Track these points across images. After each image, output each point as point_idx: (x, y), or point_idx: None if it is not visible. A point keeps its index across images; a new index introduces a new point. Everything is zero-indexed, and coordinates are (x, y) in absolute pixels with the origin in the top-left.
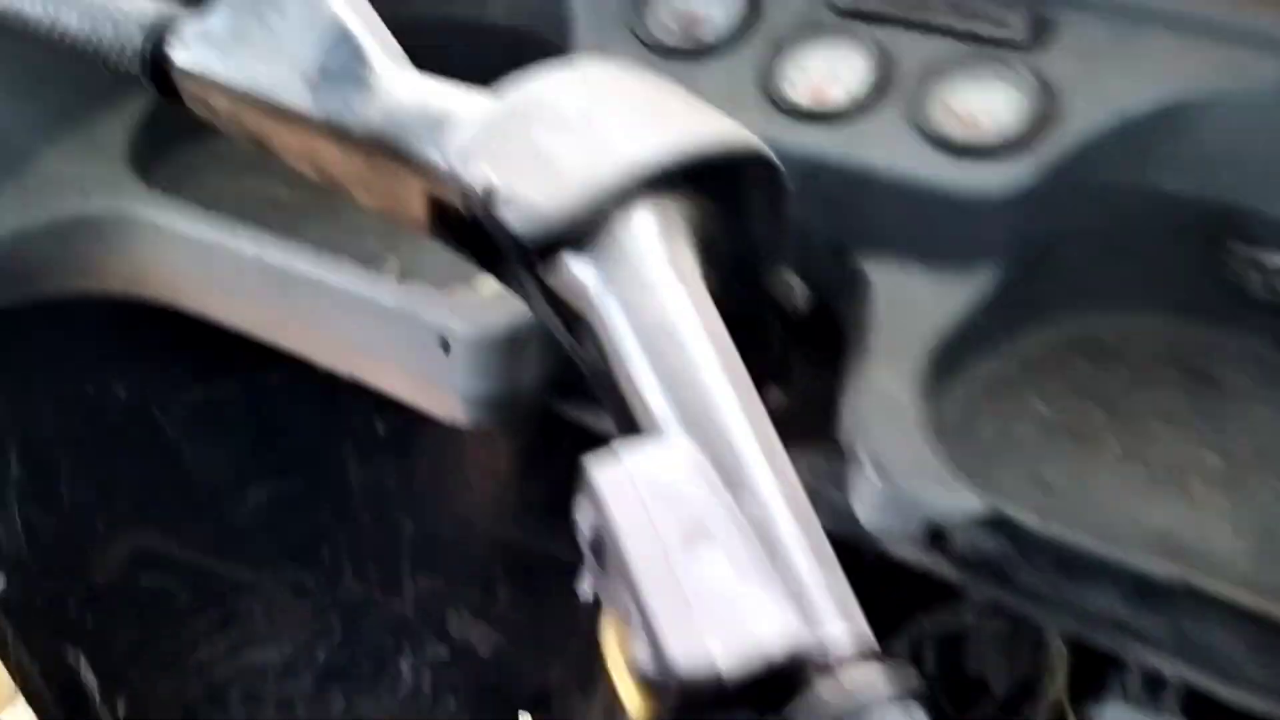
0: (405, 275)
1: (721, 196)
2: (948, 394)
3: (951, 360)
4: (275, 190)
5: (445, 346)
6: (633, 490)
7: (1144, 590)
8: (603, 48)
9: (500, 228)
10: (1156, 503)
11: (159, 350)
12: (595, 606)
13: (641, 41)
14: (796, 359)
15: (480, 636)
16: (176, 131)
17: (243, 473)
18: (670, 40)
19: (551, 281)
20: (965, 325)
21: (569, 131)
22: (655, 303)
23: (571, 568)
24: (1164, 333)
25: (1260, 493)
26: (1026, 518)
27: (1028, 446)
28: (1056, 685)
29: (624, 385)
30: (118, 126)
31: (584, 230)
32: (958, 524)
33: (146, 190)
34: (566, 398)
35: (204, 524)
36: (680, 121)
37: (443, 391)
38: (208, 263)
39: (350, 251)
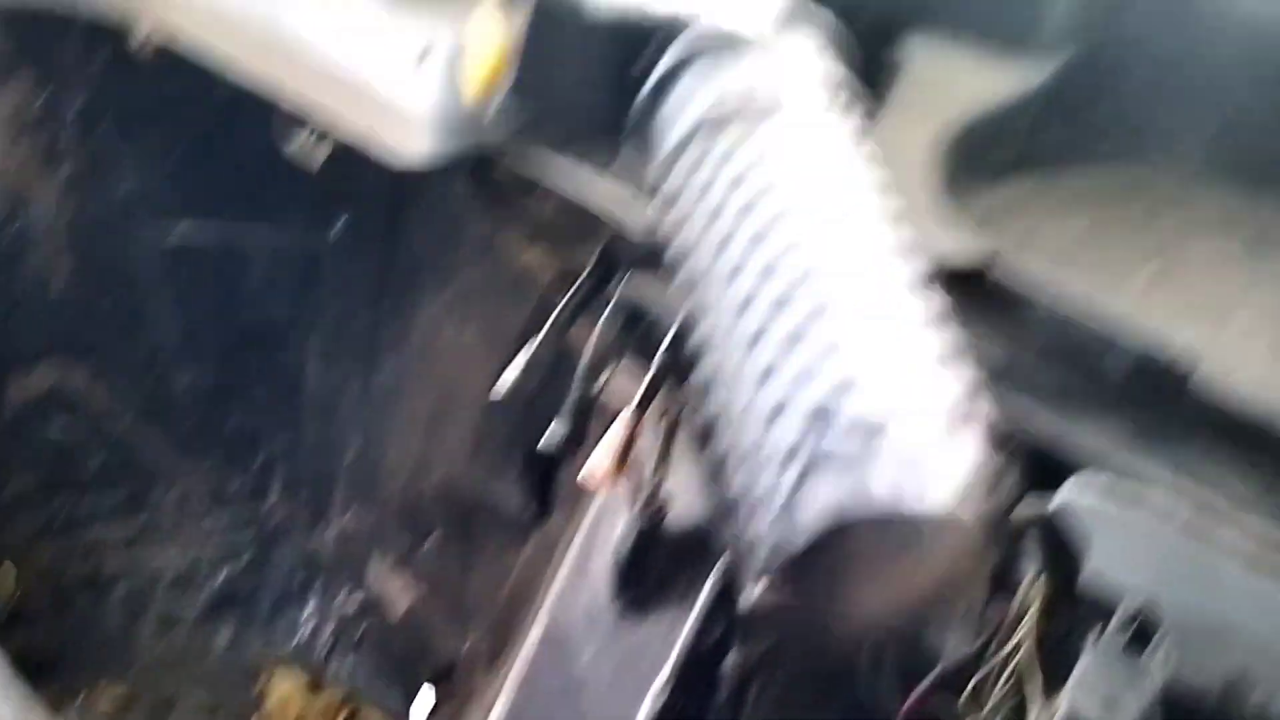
0: None
1: None
2: (971, 190)
3: (981, 149)
4: None
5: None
6: None
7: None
8: None
9: None
10: (1187, 324)
11: None
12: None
13: None
14: None
15: (397, 591)
16: None
17: (194, 335)
18: None
19: None
20: (1004, 114)
21: None
22: None
23: (512, 524)
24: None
25: None
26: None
27: (1050, 248)
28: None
29: None
30: None
31: None
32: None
33: None
34: None
35: (139, 379)
36: None
37: (410, 112)
38: None
39: None
